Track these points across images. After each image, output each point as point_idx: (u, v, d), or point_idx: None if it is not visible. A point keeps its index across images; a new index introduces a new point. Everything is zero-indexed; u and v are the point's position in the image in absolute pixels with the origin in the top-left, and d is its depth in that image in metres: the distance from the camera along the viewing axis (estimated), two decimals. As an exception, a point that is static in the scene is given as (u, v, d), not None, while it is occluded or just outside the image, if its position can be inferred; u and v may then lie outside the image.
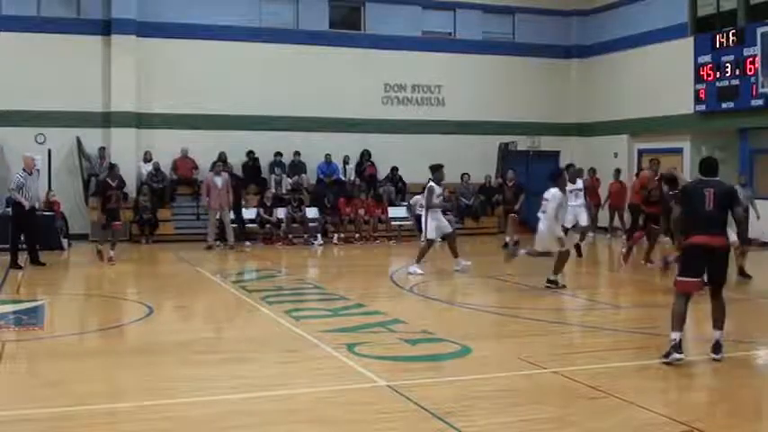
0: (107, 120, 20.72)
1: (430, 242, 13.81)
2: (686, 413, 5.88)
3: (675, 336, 7.14)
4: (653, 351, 7.57)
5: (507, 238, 17.93)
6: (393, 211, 21.17)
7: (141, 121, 20.95)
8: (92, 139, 20.48)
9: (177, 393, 6.24)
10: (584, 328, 8.45)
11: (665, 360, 7.13)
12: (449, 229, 14.08)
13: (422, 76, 23.49)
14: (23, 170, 14.68)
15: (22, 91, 19.78)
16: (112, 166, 15.99)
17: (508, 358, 7.41)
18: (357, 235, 20.06)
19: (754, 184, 18.57)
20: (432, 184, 13.77)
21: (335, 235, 19.78)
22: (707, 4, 21.10)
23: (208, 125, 21.34)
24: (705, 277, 7.48)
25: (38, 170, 15.61)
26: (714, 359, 7.26)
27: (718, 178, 7.55)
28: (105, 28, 20.69)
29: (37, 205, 15.23)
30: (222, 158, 20.01)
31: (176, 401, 6.03)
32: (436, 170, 13.88)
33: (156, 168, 20.59)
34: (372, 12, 23.24)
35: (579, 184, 15.94)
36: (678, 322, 7.21)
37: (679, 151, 21.50)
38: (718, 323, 7.35)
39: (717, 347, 7.28)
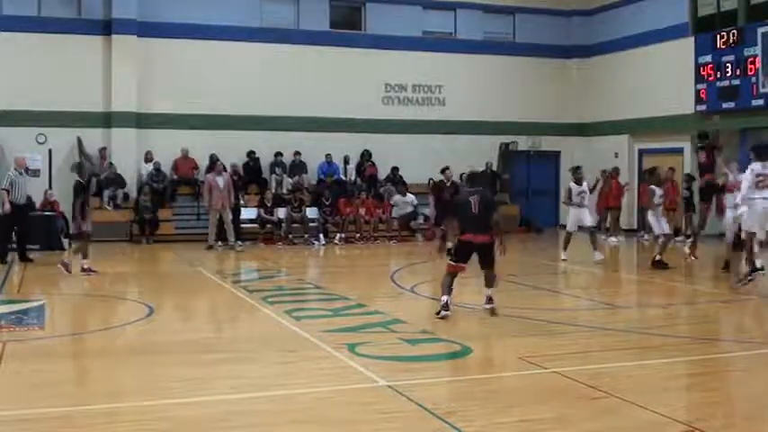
0: (107, 120, 20.73)
1: (569, 234, 15.64)
2: (686, 413, 5.88)
3: (445, 298, 9.13)
4: (653, 351, 7.57)
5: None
6: (394, 211, 21.17)
7: (141, 121, 20.95)
8: (92, 139, 20.47)
9: (177, 393, 6.23)
10: (584, 328, 8.44)
11: (437, 316, 9.03)
12: (587, 223, 15.51)
13: (422, 76, 23.47)
14: (15, 169, 15.10)
15: (23, 91, 19.80)
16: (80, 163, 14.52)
17: (508, 358, 7.40)
18: (358, 235, 20.06)
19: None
20: (571, 184, 15.60)
21: (337, 235, 19.79)
22: (707, 3, 21.08)
23: (208, 125, 21.34)
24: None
25: (31, 170, 15.85)
26: (486, 309, 9.30)
27: (480, 188, 9.58)
28: (106, 28, 20.69)
29: (22, 202, 15.26)
30: (214, 159, 19.98)
31: (176, 401, 6.02)
32: (575, 171, 15.75)
33: (157, 168, 20.59)
34: (373, 12, 23.23)
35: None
36: (446, 289, 9.20)
37: (679, 151, 21.50)
38: (489, 283, 9.39)
39: (489, 300, 9.38)
